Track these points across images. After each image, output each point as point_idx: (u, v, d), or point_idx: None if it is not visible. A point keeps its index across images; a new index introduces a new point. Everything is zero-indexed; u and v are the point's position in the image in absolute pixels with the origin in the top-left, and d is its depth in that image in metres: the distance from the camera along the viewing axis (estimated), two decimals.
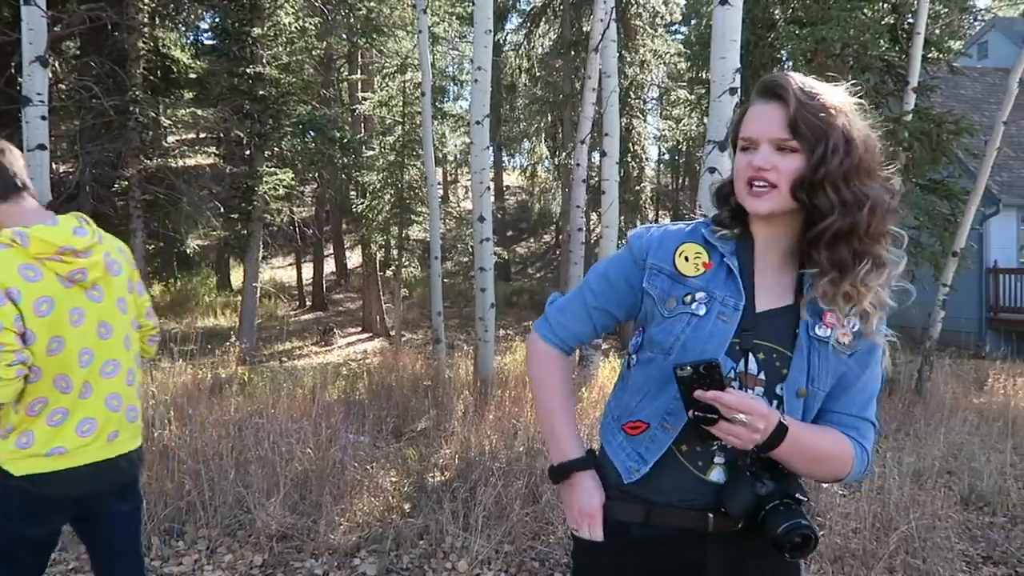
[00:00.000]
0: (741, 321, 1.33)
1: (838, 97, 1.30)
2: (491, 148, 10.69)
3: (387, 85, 16.89)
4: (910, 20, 9.16)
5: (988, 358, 11.04)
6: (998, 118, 8.59)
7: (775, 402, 1.34)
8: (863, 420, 1.40)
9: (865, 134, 1.29)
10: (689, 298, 1.35)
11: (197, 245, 20.12)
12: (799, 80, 1.29)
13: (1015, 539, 4.05)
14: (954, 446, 5.61)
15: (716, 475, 1.36)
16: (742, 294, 1.34)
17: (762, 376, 1.33)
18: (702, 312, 1.33)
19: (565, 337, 1.52)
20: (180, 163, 13.99)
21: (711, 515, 1.36)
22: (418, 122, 14.69)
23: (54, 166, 12.59)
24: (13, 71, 8.84)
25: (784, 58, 10.38)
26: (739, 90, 4.62)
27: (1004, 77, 9.98)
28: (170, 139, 16.56)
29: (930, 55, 9.71)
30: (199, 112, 13.38)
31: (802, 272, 1.35)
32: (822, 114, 1.26)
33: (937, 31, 11.57)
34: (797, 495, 1.32)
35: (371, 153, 17.01)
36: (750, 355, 1.33)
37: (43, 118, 6.11)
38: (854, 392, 1.39)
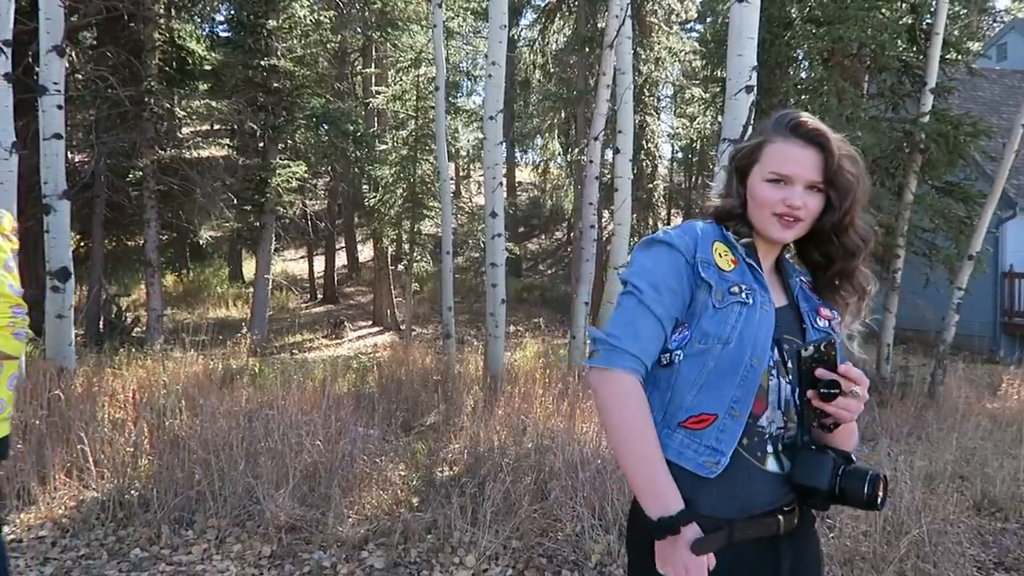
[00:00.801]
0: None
1: (851, 148, 1.48)
2: (504, 144, 10.65)
3: (401, 79, 16.90)
4: (928, 20, 9.08)
5: (1002, 363, 10.95)
6: (1017, 120, 8.50)
7: (803, 397, 1.44)
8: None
9: (866, 180, 1.48)
10: (736, 289, 1.42)
11: (210, 236, 20.19)
12: (826, 128, 1.45)
13: None
14: (967, 451, 5.56)
15: (772, 465, 1.42)
16: (768, 290, 1.47)
17: (790, 364, 1.44)
18: (750, 301, 1.41)
19: (647, 361, 1.40)
20: (194, 154, 14.02)
21: (781, 517, 1.41)
22: (431, 117, 14.69)
23: (70, 155, 12.66)
24: (30, 60, 8.88)
25: (800, 57, 10.31)
26: (755, 88, 4.59)
27: (1023, 79, 9.87)
28: (184, 130, 16.62)
29: (948, 56, 9.62)
30: (213, 104, 13.39)
31: (788, 277, 1.56)
32: (852, 168, 1.44)
33: (956, 32, 11.44)
34: (850, 455, 1.42)
35: (384, 147, 17.02)
36: (779, 346, 1.44)
37: (59, 107, 6.19)
38: None
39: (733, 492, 1.38)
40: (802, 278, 1.58)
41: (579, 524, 3.74)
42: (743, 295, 1.42)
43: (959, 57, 9.97)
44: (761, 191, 1.45)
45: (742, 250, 1.48)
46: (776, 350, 1.43)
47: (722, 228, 1.50)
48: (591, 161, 8.34)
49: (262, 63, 13.42)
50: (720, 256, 1.45)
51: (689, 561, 1.32)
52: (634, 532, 1.47)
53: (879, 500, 1.35)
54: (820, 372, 1.35)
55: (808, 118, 1.45)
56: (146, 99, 11.99)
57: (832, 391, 1.34)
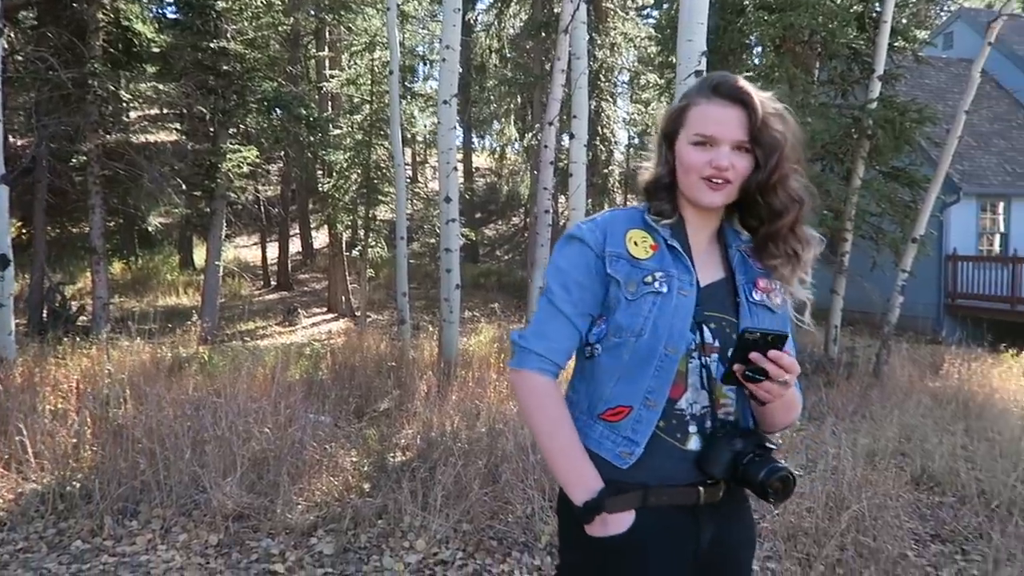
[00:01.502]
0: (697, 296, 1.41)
1: (779, 104, 1.43)
2: (460, 129, 10.61)
3: (355, 63, 16.66)
4: (878, 8, 9.26)
5: (944, 343, 11.28)
6: (960, 107, 8.73)
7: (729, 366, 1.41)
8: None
9: (797, 138, 1.43)
10: (650, 279, 1.40)
11: (159, 223, 19.75)
12: (751, 86, 1.40)
13: (963, 518, 4.15)
14: (908, 428, 5.73)
15: (694, 444, 1.41)
16: (692, 271, 1.43)
17: (716, 344, 1.42)
18: (665, 290, 1.39)
19: (555, 359, 1.45)
20: (141, 139, 13.64)
21: (701, 488, 1.41)
22: (386, 101, 14.50)
23: (10, 139, 12.24)
24: None
25: (753, 43, 10.42)
26: (705, 73, 4.62)
27: (968, 67, 10.13)
28: (132, 114, 16.16)
29: (896, 44, 9.83)
30: (161, 87, 13.05)
31: (728, 247, 1.51)
32: (779, 126, 1.39)
33: (904, 20, 11.66)
34: (767, 444, 1.39)
35: (338, 132, 16.77)
36: (703, 327, 1.41)
37: None
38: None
39: (652, 467, 1.40)
40: (743, 246, 1.51)
41: (529, 506, 3.75)
42: (656, 284, 1.40)
43: (907, 45, 10.18)
44: (687, 155, 1.41)
45: (664, 232, 1.45)
46: (699, 332, 1.41)
47: (644, 212, 1.48)
48: (546, 146, 8.34)
49: (211, 45, 13.06)
50: (635, 244, 1.44)
51: (617, 536, 1.38)
52: (563, 514, 1.52)
53: (770, 493, 1.34)
54: (754, 356, 1.31)
55: (731, 77, 1.41)
56: (90, 81, 11.59)
57: (758, 377, 1.32)
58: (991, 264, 14.08)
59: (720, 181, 1.39)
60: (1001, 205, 15.28)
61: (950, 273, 14.46)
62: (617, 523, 1.38)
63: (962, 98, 8.80)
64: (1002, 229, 15.24)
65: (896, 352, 8.96)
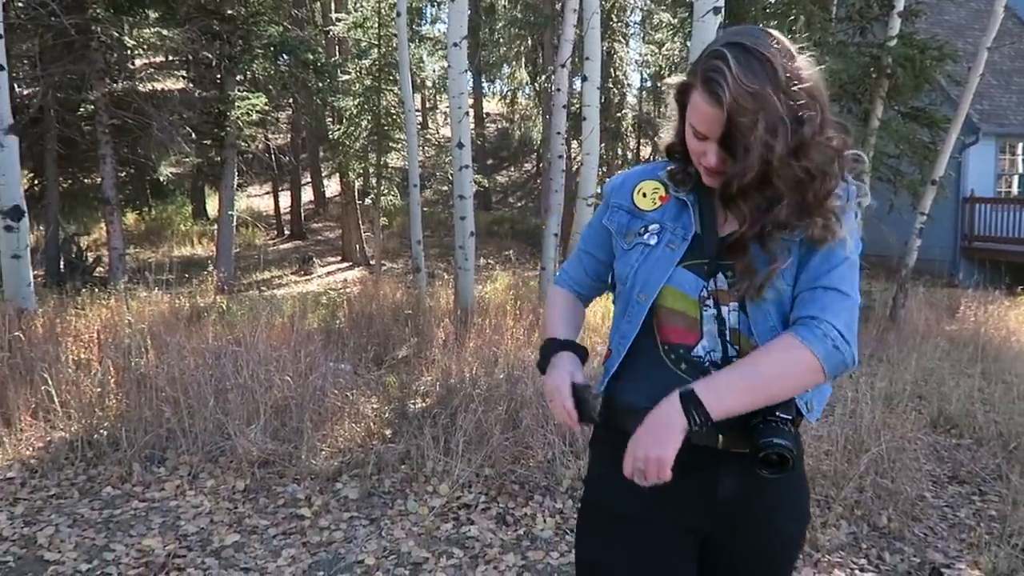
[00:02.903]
0: (699, 246, 1.38)
1: (774, 68, 1.21)
2: (470, 73, 10.40)
3: (362, 6, 16.33)
4: None
5: (961, 286, 11.21)
6: (982, 44, 8.49)
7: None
8: (822, 291, 1.31)
9: (806, 100, 1.23)
10: (643, 230, 1.43)
11: (171, 173, 19.65)
12: (735, 66, 1.21)
13: (980, 459, 4.18)
14: (925, 371, 5.74)
15: None
16: (693, 224, 1.40)
17: (734, 292, 1.36)
18: (653, 242, 1.41)
19: (566, 280, 1.65)
20: (148, 87, 13.49)
21: (720, 435, 1.33)
22: (394, 45, 14.24)
23: (16, 89, 12.12)
24: None
25: None
26: (723, 10, 4.50)
27: (989, 2, 9.81)
28: (137, 62, 15.95)
29: None
30: (165, 32, 12.80)
31: None
32: (755, 114, 1.20)
33: None
34: (779, 412, 1.29)
35: (346, 77, 16.55)
36: (719, 274, 1.37)
37: None
38: (812, 266, 1.33)
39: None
40: None
41: (550, 451, 3.80)
42: (647, 236, 1.42)
43: None
44: (688, 139, 1.35)
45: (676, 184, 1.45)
46: (714, 280, 1.36)
47: (666, 164, 1.48)
48: (558, 89, 8.20)
49: None
50: (644, 196, 1.47)
51: (555, 374, 1.43)
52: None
53: (761, 462, 1.27)
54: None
55: (721, 65, 1.22)
56: (93, 27, 11.42)
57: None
58: (1009, 206, 13.88)
59: (714, 171, 1.32)
60: (1021, 146, 15.00)
61: (967, 215, 14.28)
62: (559, 365, 1.44)
63: (984, 35, 8.55)
64: (1021, 170, 15.00)
65: (913, 296, 8.91)
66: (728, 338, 1.36)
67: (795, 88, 1.23)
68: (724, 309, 1.36)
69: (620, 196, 1.50)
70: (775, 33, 1.29)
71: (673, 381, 1.33)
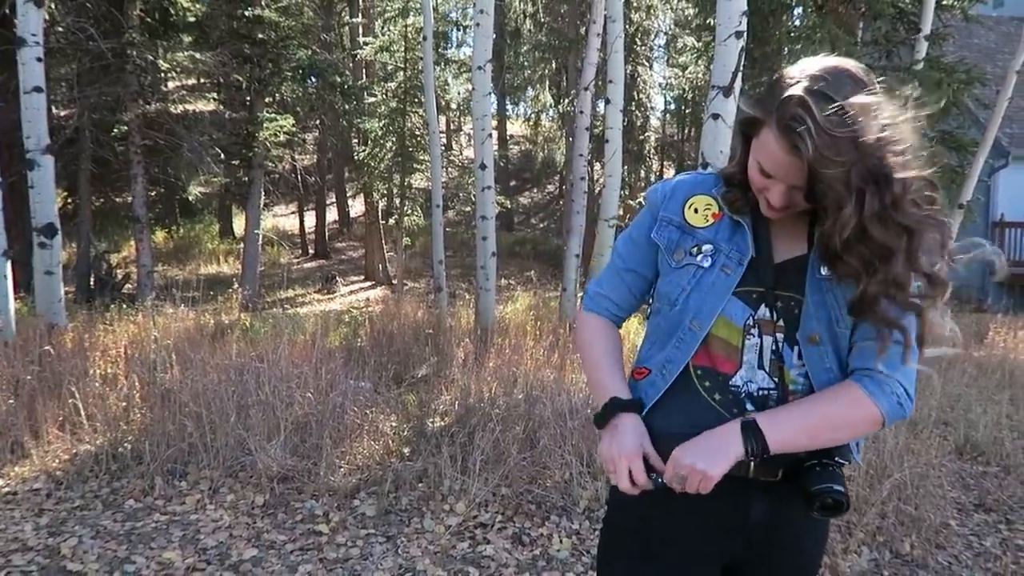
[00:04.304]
0: (752, 272, 1.33)
1: (869, 119, 1.12)
2: (494, 95, 10.58)
3: (388, 30, 16.59)
4: None
5: (990, 311, 11.03)
6: (1011, 68, 8.44)
7: (796, 348, 1.32)
8: (882, 343, 1.25)
9: (903, 159, 1.14)
10: (696, 250, 1.36)
11: (199, 192, 20.02)
12: (821, 119, 1.12)
13: (1007, 487, 4.10)
14: (951, 397, 5.65)
15: None
16: (750, 247, 1.34)
17: (780, 323, 1.33)
18: (707, 264, 1.35)
19: (604, 305, 1.53)
20: (180, 108, 13.81)
21: (752, 462, 1.29)
22: (420, 68, 14.44)
23: (53, 110, 12.45)
24: (7, 12, 8.66)
25: (793, 3, 10.15)
26: (745, 34, 4.52)
27: (1019, 26, 9.75)
28: (170, 84, 16.33)
29: (944, 2, 9.50)
30: (198, 56, 13.12)
31: (813, 220, 1.32)
32: (844, 167, 1.12)
33: None
34: (836, 457, 1.29)
35: (372, 100, 16.78)
36: (766, 304, 1.34)
37: (39, 59, 6.06)
38: (868, 331, 1.30)
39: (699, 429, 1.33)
40: None
41: (567, 471, 3.79)
42: (700, 258, 1.36)
43: (955, 3, 9.84)
44: (751, 171, 1.30)
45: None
46: (766, 308, 1.33)
47: (718, 180, 1.42)
48: (581, 112, 8.27)
49: (246, 13, 13.13)
50: (695, 212, 1.40)
51: (618, 446, 1.33)
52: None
53: (817, 506, 1.24)
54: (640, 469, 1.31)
55: (798, 106, 1.14)
56: (129, 51, 11.75)
57: (659, 481, 1.30)
58: None
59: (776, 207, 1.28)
60: None
61: (997, 239, 14.06)
62: (624, 429, 1.34)
63: (1013, 58, 8.49)
64: None
65: None
66: (768, 369, 1.33)
67: (884, 143, 1.12)
68: (767, 340, 1.33)
69: (670, 209, 1.42)
70: (858, 73, 1.19)
71: (702, 410, 1.34)
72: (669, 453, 1.29)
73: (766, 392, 1.33)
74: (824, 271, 1.29)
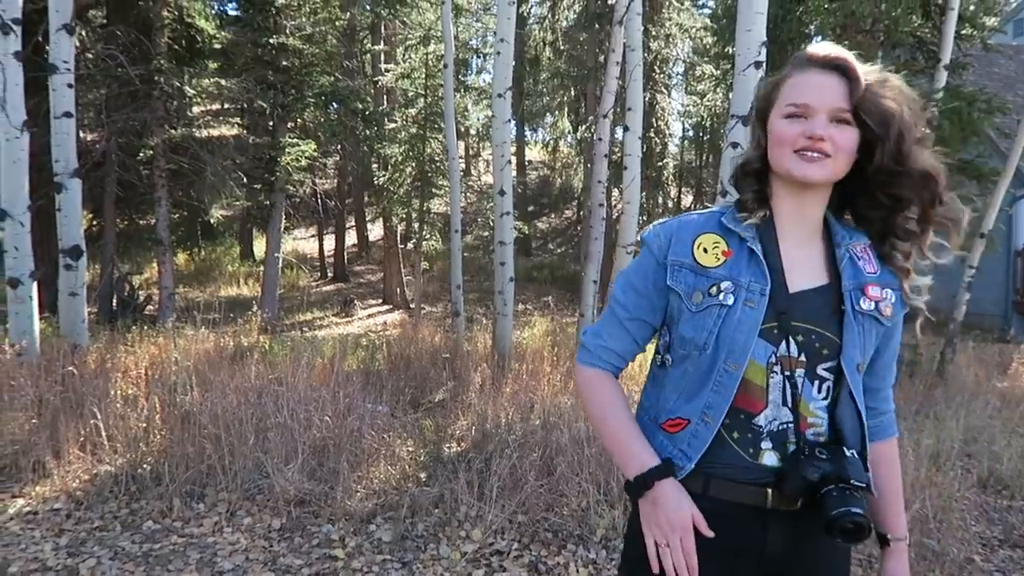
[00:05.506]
0: (770, 305, 1.31)
1: (888, 74, 1.31)
2: (513, 122, 10.68)
3: (410, 57, 16.82)
4: None
5: (1013, 342, 10.89)
6: None
7: (816, 383, 1.33)
8: (890, 386, 1.49)
9: (915, 105, 1.32)
10: (715, 289, 1.33)
11: (221, 215, 20.24)
12: (851, 55, 1.30)
13: None
14: (974, 429, 5.56)
15: (768, 459, 1.33)
16: (767, 278, 1.33)
17: (802, 358, 1.31)
18: (730, 302, 1.32)
19: (607, 358, 1.47)
20: (204, 133, 14.05)
21: (770, 491, 1.32)
22: (440, 95, 14.60)
23: (81, 134, 12.70)
24: (40, 39, 8.89)
25: (813, 32, 10.18)
26: (765, 64, 4.55)
27: None
28: (195, 110, 16.63)
29: (963, 31, 9.48)
30: (223, 82, 13.36)
31: (836, 247, 1.37)
32: (890, 94, 1.29)
33: (971, 7, 11.23)
34: (853, 481, 1.27)
35: (393, 125, 16.97)
36: (789, 338, 1.31)
37: (69, 86, 6.21)
38: (887, 359, 1.45)
39: (716, 465, 1.35)
40: (854, 244, 1.38)
41: (584, 499, 3.77)
42: (722, 296, 1.32)
43: (974, 32, 9.82)
44: (779, 128, 1.30)
45: (747, 233, 1.36)
46: (785, 344, 1.31)
47: (723, 214, 1.40)
48: (600, 139, 8.31)
49: (271, 41, 13.37)
50: (705, 252, 1.36)
51: (674, 514, 1.30)
52: (631, 525, 1.47)
53: (837, 532, 1.24)
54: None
55: (828, 44, 1.31)
56: (156, 78, 11.99)
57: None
58: None
59: (816, 154, 1.27)
60: None
61: (1020, 269, 13.92)
62: (683, 522, 1.30)
63: None
64: None
65: (962, 351, 8.69)
66: (791, 406, 1.32)
67: (906, 99, 1.33)
68: (791, 375, 1.32)
69: (678, 253, 1.38)
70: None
71: (722, 450, 1.33)
72: (715, 495, 1.35)
73: (785, 427, 1.33)
74: (864, 304, 1.34)
